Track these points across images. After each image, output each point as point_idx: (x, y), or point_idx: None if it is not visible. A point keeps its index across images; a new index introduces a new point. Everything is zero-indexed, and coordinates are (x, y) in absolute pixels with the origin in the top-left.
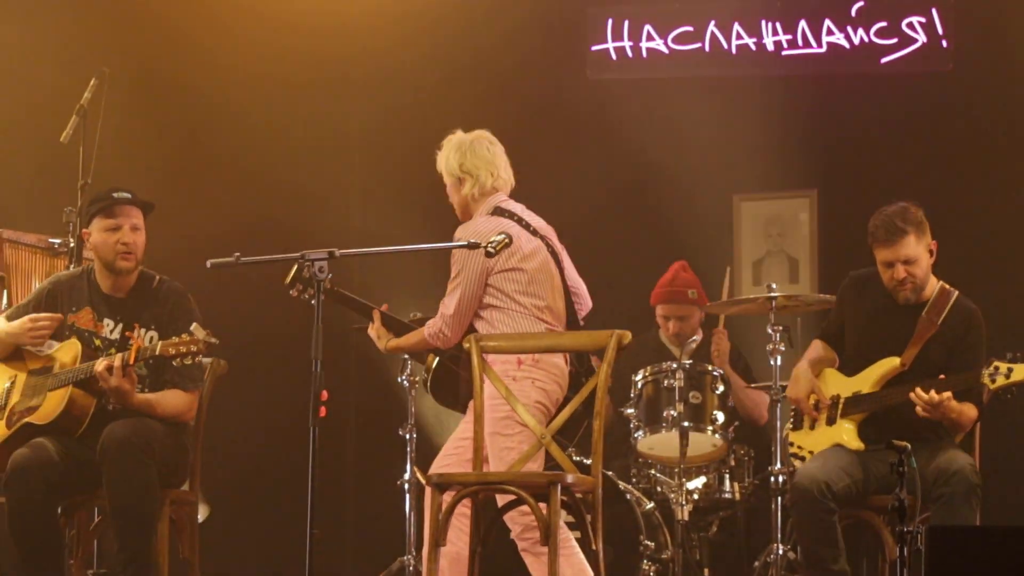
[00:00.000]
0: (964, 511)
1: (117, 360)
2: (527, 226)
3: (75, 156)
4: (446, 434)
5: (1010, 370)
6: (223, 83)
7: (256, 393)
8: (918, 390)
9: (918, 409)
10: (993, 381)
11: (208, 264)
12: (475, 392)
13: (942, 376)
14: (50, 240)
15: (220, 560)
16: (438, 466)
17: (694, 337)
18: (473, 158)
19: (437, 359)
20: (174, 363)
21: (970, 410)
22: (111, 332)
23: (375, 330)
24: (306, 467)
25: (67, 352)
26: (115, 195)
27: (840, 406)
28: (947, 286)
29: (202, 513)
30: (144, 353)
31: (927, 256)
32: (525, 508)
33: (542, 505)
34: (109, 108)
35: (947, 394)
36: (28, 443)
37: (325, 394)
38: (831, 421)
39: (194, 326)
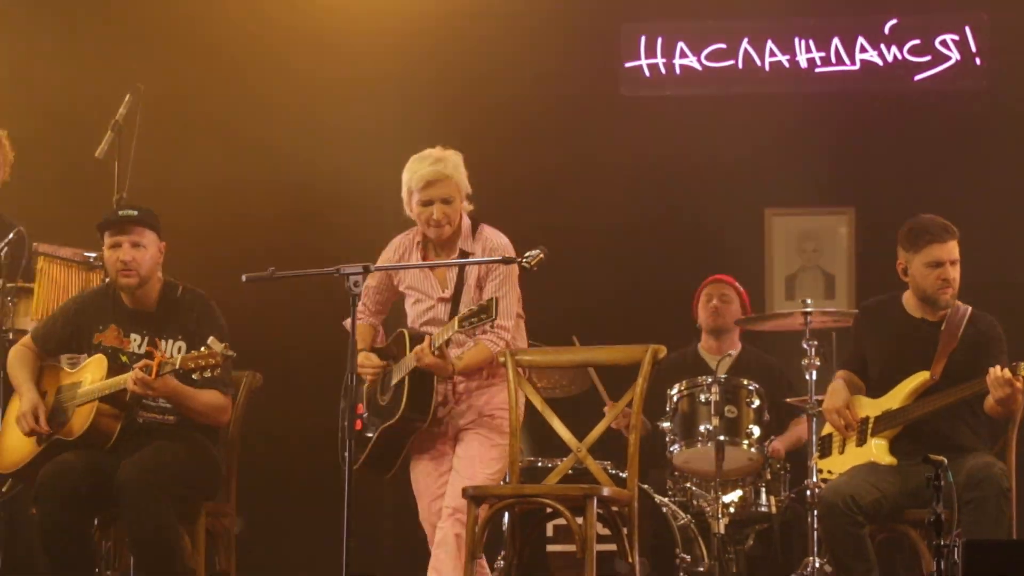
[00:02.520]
0: (994, 514)
1: (143, 374)
2: None
3: (110, 171)
4: None
5: None
6: (257, 98)
7: (292, 406)
8: (998, 368)
9: (992, 387)
10: None
11: (244, 278)
12: (510, 406)
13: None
14: (85, 254)
15: (256, 572)
16: (431, 511)
17: (730, 351)
18: None
19: (380, 430)
20: (194, 376)
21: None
22: (139, 347)
23: (427, 355)
24: (342, 479)
25: (95, 368)
26: (121, 212)
27: (870, 426)
28: (959, 302)
29: (238, 524)
30: (164, 368)
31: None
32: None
33: (578, 519)
34: (144, 123)
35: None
36: (56, 458)
37: (361, 407)
38: (861, 442)
39: (211, 339)
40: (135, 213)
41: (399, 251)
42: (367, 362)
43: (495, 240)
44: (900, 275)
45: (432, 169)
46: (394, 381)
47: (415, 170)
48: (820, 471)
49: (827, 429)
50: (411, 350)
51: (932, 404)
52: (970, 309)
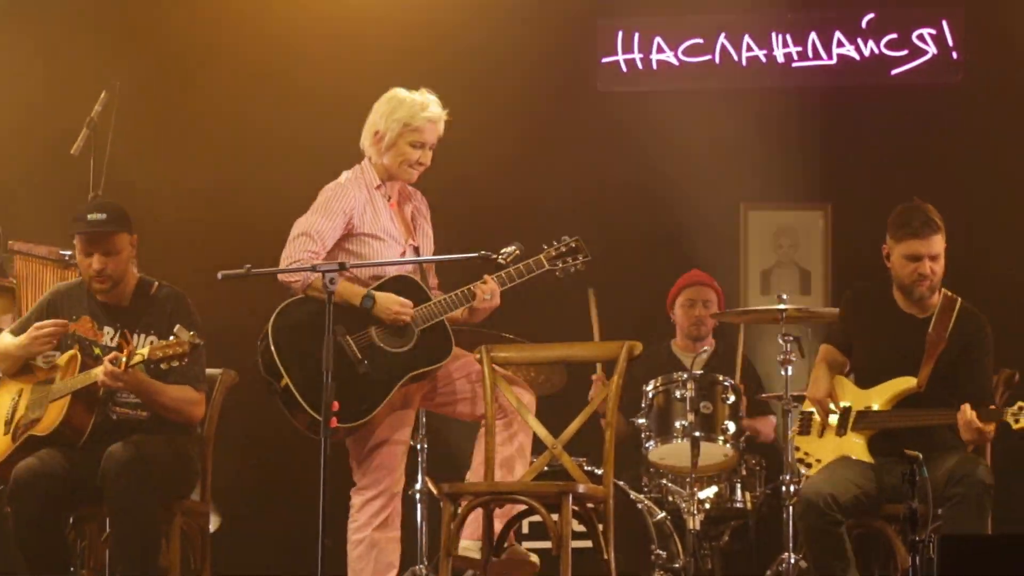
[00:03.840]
0: (976, 511)
1: (113, 367)
2: None
3: (86, 168)
4: (459, 444)
5: None
6: (234, 94)
7: (267, 403)
8: (966, 409)
9: (961, 428)
10: (1017, 422)
11: (219, 275)
12: (486, 402)
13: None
14: (60, 252)
15: (231, 570)
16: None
17: (705, 348)
18: None
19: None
20: (162, 367)
21: (992, 432)
22: (111, 340)
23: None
24: (317, 477)
25: (68, 363)
26: (90, 216)
27: (851, 419)
28: (949, 293)
29: (213, 523)
30: (133, 359)
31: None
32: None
33: (554, 516)
34: (119, 120)
35: (990, 426)
36: (31, 455)
37: (336, 405)
38: (841, 432)
39: (177, 328)
40: (104, 216)
41: (361, 193)
42: (404, 308)
43: (419, 192)
44: (884, 260)
45: (437, 112)
46: (422, 326)
47: (418, 109)
48: (797, 448)
49: (807, 406)
50: (413, 296)
51: (910, 419)
52: (959, 303)
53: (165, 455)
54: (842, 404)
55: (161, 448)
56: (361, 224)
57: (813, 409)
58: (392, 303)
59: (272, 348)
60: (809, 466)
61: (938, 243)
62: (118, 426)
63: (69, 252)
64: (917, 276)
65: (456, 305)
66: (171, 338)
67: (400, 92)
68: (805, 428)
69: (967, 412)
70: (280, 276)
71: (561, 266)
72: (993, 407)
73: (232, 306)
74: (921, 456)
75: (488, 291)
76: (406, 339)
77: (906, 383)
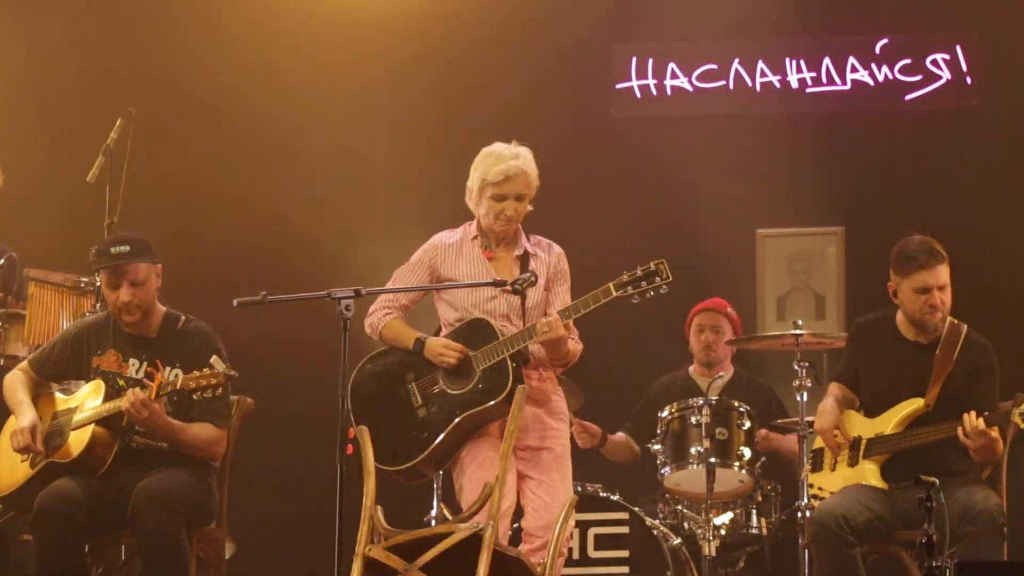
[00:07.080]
0: (990, 550)
1: (141, 394)
2: None
3: (101, 195)
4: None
5: None
6: (249, 121)
7: (283, 430)
8: (970, 416)
9: (961, 435)
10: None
11: (235, 303)
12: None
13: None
14: (76, 279)
15: None
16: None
17: (721, 373)
18: None
19: (462, 417)
20: (195, 396)
21: (1000, 443)
22: (137, 371)
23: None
24: (333, 504)
25: (92, 394)
26: (113, 250)
27: (862, 447)
28: (955, 321)
29: (229, 550)
30: (164, 388)
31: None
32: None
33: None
34: (135, 148)
35: (995, 431)
36: (54, 483)
37: (352, 432)
38: (853, 462)
39: (213, 359)
40: (127, 249)
41: (453, 244)
42: (447, 350)
43: (556, 246)
44: (891, 297)
45: (512, 164)
46: (484, 365)
47: (493, 164)
48: (811, 486)
49: (819, 443)
50: (483, 338)
51: (922, 437)
52: (965, 329)
53: (191, 483)
54: (852, 436)
55: (187, 480)
56: (444, 269)
57: (823, 446)
58: (438, 346)
59: (348, 399)
60: (823, 500)
61: (944, 273)
62: (138, 455)
63: (85, 279)
64: (928, 308)
65: (519, 342)
66: (205, 369)
67: (490, 147)
68: (817, 465)
69: (972, 417)
70: (367, 329)
71: (633, 291)
72: (997, 413)
73: (248, 333)
74: (937, 482)
75: (545, 324)
76: (468, 380)
77: (914, 404)
